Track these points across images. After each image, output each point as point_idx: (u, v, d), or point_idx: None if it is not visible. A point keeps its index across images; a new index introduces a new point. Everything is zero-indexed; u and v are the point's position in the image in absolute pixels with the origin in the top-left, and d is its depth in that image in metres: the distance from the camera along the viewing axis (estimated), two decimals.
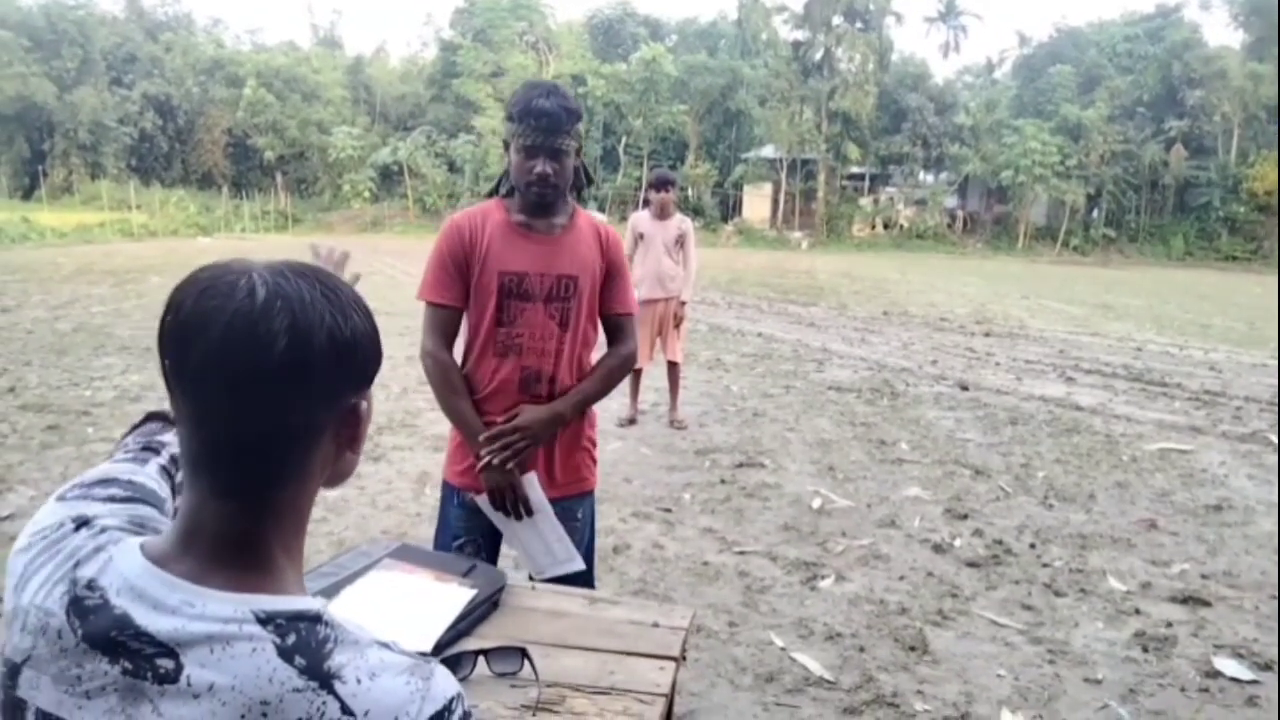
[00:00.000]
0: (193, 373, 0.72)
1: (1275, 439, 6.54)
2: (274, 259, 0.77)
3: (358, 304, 0.77)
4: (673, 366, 6.47)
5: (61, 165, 42.34)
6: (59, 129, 41.72)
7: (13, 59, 39.60)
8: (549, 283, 2.12)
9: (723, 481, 5.14)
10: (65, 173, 42.25)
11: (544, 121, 2.01)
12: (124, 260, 20.65)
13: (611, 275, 2.22)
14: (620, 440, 5.98)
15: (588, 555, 2.28)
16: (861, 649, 3.20)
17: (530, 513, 2.10)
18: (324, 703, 0.68)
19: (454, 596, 1.62)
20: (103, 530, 0.78)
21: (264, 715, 0.68)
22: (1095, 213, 43.53)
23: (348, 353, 0.75)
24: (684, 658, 1.62)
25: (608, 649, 1.58)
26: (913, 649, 3.21)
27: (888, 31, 44.25)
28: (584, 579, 2.20)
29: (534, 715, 1.36)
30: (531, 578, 2.16)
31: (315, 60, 49.27)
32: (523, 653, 1.44)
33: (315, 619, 0.73)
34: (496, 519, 2.14)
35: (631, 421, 6.41)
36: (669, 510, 4.63)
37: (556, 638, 1.60)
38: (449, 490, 2.25)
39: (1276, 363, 10.25)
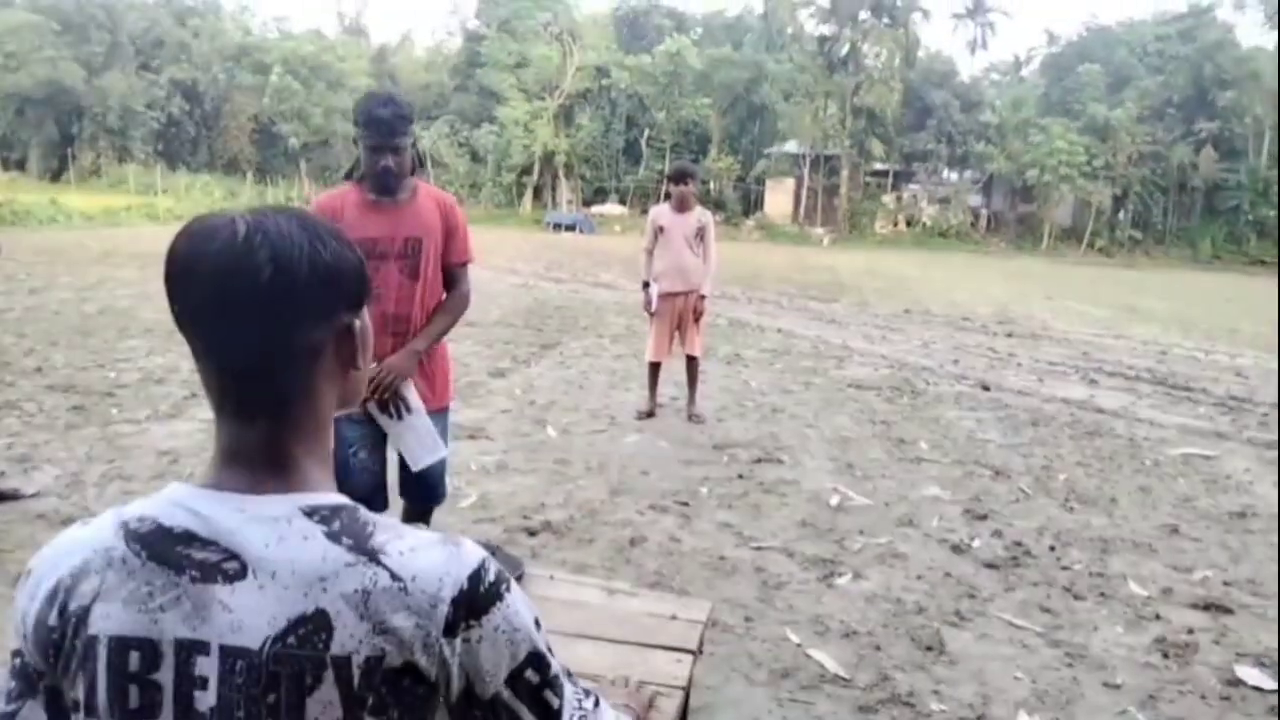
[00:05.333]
0: (193, 310, 0.79)
1: None
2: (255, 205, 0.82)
3: (336, 234, 0.83)
4: (691, 361, 6.44)
5: (90, 148, 42.78)
6: (87, 113, 42.15)
7: (43, 43, 40.03)
8: (398, 244, 2.75)
9: (740, 476, 5.12)
10: (93, 156, 42.69)
11: (383, 128, 2.63)
12: (149, 244, 20.82)
13: (450, 234, 2.87)
14: (638, 433, 5.98)
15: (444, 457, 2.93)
16: (878, 647, 3.19)
17: (410, 410, 2.73)
18: (375, 573, 0.76)
19: None
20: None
21: (324, 590, 0.75)
22: (1121, 214, 43.01)
23: (331, 275, 0.81)
24: (701, 651, 1.61)
25: (626, 640, 1.58)
26: (929, 649, 3.19)
27: (915, 27, 43.83)
28: (440, 467, 2.91)
29: None
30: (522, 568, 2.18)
31: (340, 48, 49.43)
32: None
33: (354, 509, 0.82)
34: (382, 420, 2.76)
35: (650, 415, 6.40)
36: (686, 504, 4.62)
37: (575, 628, 1.60)
38: None
39: (1277, 365, 10.10)
